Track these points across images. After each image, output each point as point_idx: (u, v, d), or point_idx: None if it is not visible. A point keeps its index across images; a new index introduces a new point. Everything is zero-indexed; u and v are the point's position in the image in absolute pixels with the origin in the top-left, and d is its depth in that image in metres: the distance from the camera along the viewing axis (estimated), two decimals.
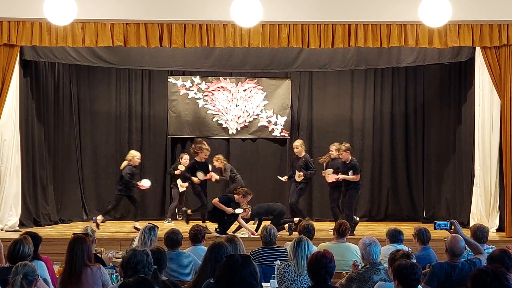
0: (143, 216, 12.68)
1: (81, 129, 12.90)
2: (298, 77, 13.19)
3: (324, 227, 11.02)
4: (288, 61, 12.18)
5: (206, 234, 7.49)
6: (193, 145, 11.25)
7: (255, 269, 3.70)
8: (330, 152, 11.24)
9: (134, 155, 11.25)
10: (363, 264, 5.88)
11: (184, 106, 13.04)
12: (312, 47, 10.34)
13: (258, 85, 13.09)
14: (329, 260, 4.79)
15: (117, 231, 11.13)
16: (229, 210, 10.43)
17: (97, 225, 10.69)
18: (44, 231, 10.25)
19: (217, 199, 10.57)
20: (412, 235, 7.33)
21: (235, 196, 10.56)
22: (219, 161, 11.84)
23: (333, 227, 7.68)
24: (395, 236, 7.28)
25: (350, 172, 10.70)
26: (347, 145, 10.90)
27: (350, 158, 10.78)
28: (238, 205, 10.57)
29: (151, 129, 13.24)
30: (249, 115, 13.09)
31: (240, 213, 10.56)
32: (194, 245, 7.12)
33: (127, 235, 10.27)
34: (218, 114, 13.05)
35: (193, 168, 11.02)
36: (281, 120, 13.08)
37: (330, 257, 4.83)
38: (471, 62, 11.43)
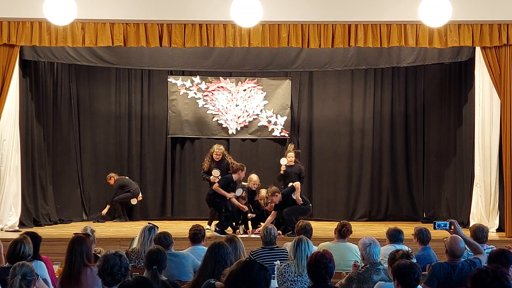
0: (143, 216, 12.69)
1: (81, 129, 12.89)
2: (298, 77, 13.18)
3: (324, 227, 11.00)
4: (288, 61, 12.19)
5: (206, 234, 7.48)
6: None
7: (267, 283, 3.61)
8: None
9: (251, 179, 10.98)
10: (363, 264, 5.88)
11: (184, 106, 13.03)
12: (312, 47, 10.34)
13: (258, 85, 13.08)
14: (328, 260, 4.78)
15: (117, 231, 11.13)
16: (230, 195, 10.42)
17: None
18: (43, 231, 10.23)
19: (217, 184, 10.54)
20: (412, 235, 7.33)
21: (233, 175, 10.57)
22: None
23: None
24: (394, 236, 7.27)
25: (293, 194, 10.42)
26: (273, 188, 10.59)
27: (279, 197, 10.46)
28: (236, 184, 10.61)
29: (150, 129, 13.23)
30: (249, 115, 13.08)
31: (240, 194, 10.56)
32: (194, 245, 7.11)
33: (127, 235, 10.26)
34: (218, 114, 13.04)
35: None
36: (281, 120, 13.07)
37: (329, 257, 4.82)
38: (471, 62, 11.43)
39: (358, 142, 13.20)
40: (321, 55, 11.90)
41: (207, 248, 5.39)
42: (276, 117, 13.07)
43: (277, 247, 7.06)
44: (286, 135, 13.12)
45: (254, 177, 11.01)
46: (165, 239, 6.60)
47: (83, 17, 9.76)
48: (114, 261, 4.65)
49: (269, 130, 13.11)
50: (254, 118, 13.10)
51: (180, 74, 13.06)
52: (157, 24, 10.08)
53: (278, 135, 13.12)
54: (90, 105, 13.00)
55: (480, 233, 6.89)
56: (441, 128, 12.76)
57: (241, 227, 10.81)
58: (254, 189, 10.98)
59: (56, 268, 6.45)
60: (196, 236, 7.15)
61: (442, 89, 12.79)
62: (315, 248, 6.28)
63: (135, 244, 7.18)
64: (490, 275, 3.48)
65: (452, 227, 6.18)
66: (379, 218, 12.97)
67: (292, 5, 10.07)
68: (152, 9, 10.01)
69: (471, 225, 9.42)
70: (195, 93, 13.01)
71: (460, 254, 5.91)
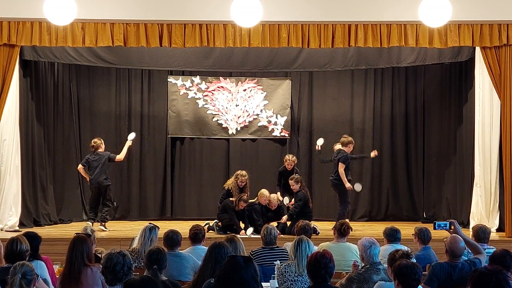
0: (143, 216, 12.68)
1: (81, 129, 12.89)
2: (298, 77, 13.18)
3: (324, 227, 11.01)
4: (288, 61, 12.18)
5: (206, 234, 7.49)
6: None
7: (256, 272, 3.69)
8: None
9: (262, 195, 11.02)
10: (363, 264, 5.89)
11: (184, 106, 13.02)
12: (312, 47, 10.34)
13: (258, 85, 13.08)
14: (328, 260, 4.78)
15: (117, 231, 11.12)
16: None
17: None
18: (44, 231, 10.24)
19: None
20: (412, 234, 7.33)
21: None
22: None
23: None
24: (392, 236, 7.26)
25: (284, 201, 11.08)
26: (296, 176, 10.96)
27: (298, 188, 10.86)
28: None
29: (151, 129, 13.22)
30: (249, 115, 13.08)
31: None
32: (194, 245, 7.11)
33: (127, 235, 10.26)
34: (218, 114, 13.04)
35: None
36: (281, 120, 13.07)
37: (329, 257, 4.82)
38: (471, 62, 11.43)
39: (358, 142, 13.16)
40: (321, 55, 11.90)
41: (207, 248, 5.40)
42: (276, 117, 13.07)
43: (277, 247, 7.07)
44: (286, 135, 13.12)
45: (265, 192, 11.01)
46: (171, 238, 6.61)
47: (83, 17, 9.76)
48: (117, 259, 4.67)
49: (269, 130, 13.10)
50: (254, 118, 13.09)
51: (180, 74, 13.06)
52: (157, 24, 10.08)
53: (278, 135, 13.12)
54: (90, 105, 12.99)
55: (482, 233, 6.90)
56: (441, 128, 12.76)
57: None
58: (264, 204, 11.00)
59: (56, 268, 6.45)
60: (196, 236, 7.15)
61: (442, 89, 12.79)
62: (315, 248, 6.28)
63: (135, 244, 7.18)
64: (492, 279, 3.47)
65: (452, 227, 6.19)
66: (379, 218, 12.97)
67: (292, 5, 10.07)
68: (152, 9, 10.01)
69: (471, 225, 9.42)
70: (195, 93, 13.01)
71: (460, 253, 5.92)
